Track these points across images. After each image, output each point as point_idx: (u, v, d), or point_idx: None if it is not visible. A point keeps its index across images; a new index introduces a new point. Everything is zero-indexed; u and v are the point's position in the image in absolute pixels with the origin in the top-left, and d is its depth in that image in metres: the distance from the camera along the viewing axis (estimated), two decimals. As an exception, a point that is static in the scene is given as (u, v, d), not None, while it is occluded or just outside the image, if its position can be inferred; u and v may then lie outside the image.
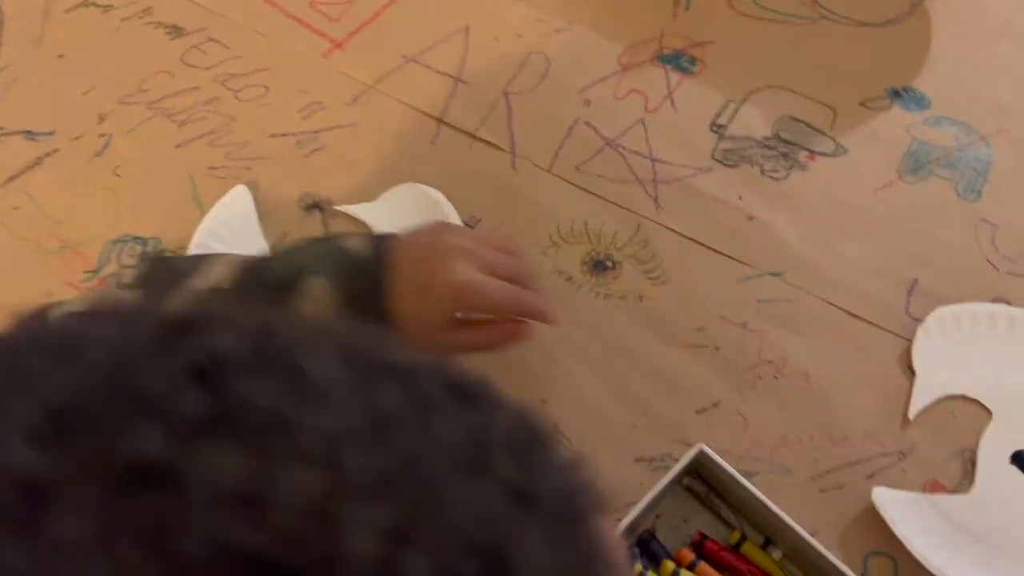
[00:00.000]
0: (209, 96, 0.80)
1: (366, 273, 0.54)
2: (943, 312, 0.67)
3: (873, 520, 0.60)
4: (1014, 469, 0.61)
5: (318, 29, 0.84)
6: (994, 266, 0.70)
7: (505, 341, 0.58)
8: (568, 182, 0.75)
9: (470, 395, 0.25)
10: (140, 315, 0.25)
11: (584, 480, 0.26)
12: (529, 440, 0.26)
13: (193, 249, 0.71)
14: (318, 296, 0.54)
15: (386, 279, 0.54)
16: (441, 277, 0.54)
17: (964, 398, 0.64)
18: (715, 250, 0.72)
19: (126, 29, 0.85)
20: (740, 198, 0.74)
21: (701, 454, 0.58)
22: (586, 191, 0.75)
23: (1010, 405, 0.64)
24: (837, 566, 0.55)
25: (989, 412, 0.64)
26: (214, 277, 0.55)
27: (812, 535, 0.56)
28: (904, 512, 0.59)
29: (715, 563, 0.57)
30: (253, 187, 0.75)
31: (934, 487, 0.62)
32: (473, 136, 0.77)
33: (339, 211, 0.74)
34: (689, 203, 0.74)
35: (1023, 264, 0.70)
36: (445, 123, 0.78)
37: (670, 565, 0.57)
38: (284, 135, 0.78)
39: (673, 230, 0.73)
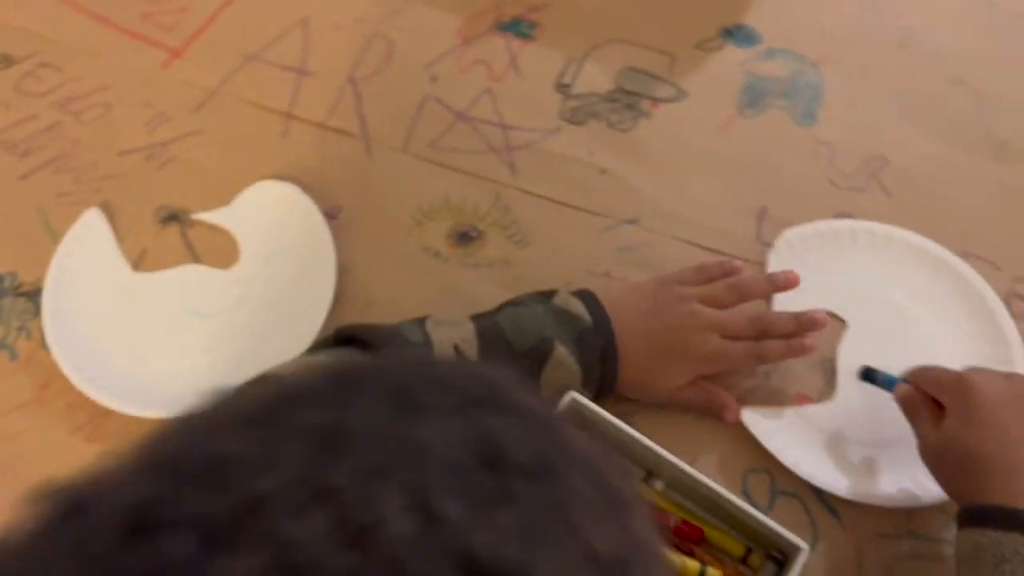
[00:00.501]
0: (49, 122, 0.78)
1: (595, 335, 0.60)
2: (790, 234, 0.70)
3: (748, 440, 0.63)
4: (852, 354, 0.65)
5: (154, 40, 0.83)
6: (835, 184, 0.74)
7: (721, 413, 0.63)
8: (424, 160, 0.76)
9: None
10: None
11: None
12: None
13: (50, 282, 0.69)
14: (563, 363, 0.59)
15: (615, 342, 0.60)
16: (691, 350, 0.61)
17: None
18: (572, 206, 0.74)
19: (-48, 64, 0.82)
20: (591, 153, 0.76)
21: (574, 402, 0.60)
22: (443, 166, 0.76)
23: (861, 313, 0.68)
24: (714, 488, 0.57)
25: (844, 322, 0.68)
26: (446, 352, 0.58)
27: (691, 463, 0.58)
28: (773, 428, 0.63)
29: (602, 504, 0.60)
30: (106, 208, 0.74)
31: (801, 400, 0.65)
32: (323, 126, 0.77)
33: (197, 219, 0.73)
34: (543, 165, 0.76)
35: (861, 178, 0.74)
36: (294, 117, 0.78)
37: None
38: (132, 151, 0.77)
39: (531, 193, 0.74)
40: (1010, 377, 0.55)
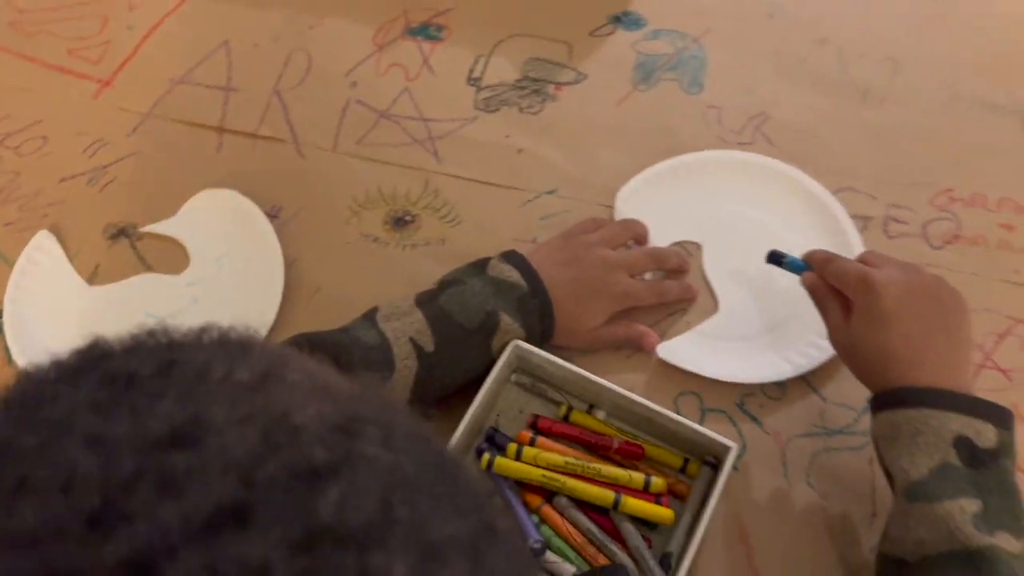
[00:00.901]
0: (-12, 158, 0.82)
1: (532, 298, 0.67)
2: (635, 183, 0.79)
3: (670, 369, 0.70)
4: (737, 277, 0.74)
5: (82, 73, 0.87)
6: (725, 141, 0.82)
7: (642, 343, 0.70)
8: (354, 156, 0.82)
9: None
10: None
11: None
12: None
13: (7, 302, 0.73)
14: (509, 330, 0.65)
15: (549, 298, 0.67)
16: (605, 289, 0.69)
17: (680, 244, 0.76)
18: (496, 184, 0.80)
19: None
20: (507, 136, 0.83)
21: (518, 347, 0.66)
22: (372, 160, 0.82)
23: (710, 233, 0.77)
24: (651, 407, 0.64)
25: (698, 244, 0.76)
26: (405, 348, 0.63)
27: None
28: (685, 352, 0.70)
29: (551, 435, 0.66)
30: (55, 230, 0.78)
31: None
32: (255, 136, 0.83)
33: (146, 232, 0.78)
34: (464, 151, 0.82)
35: (747, 133, 0.83)
36: (226, 130, 0.83)
37: (513, 447, 0.64)
38: (74, 176, 0.81)
39: (456, 176, 0.81)
40: (906, 268, 0.60)
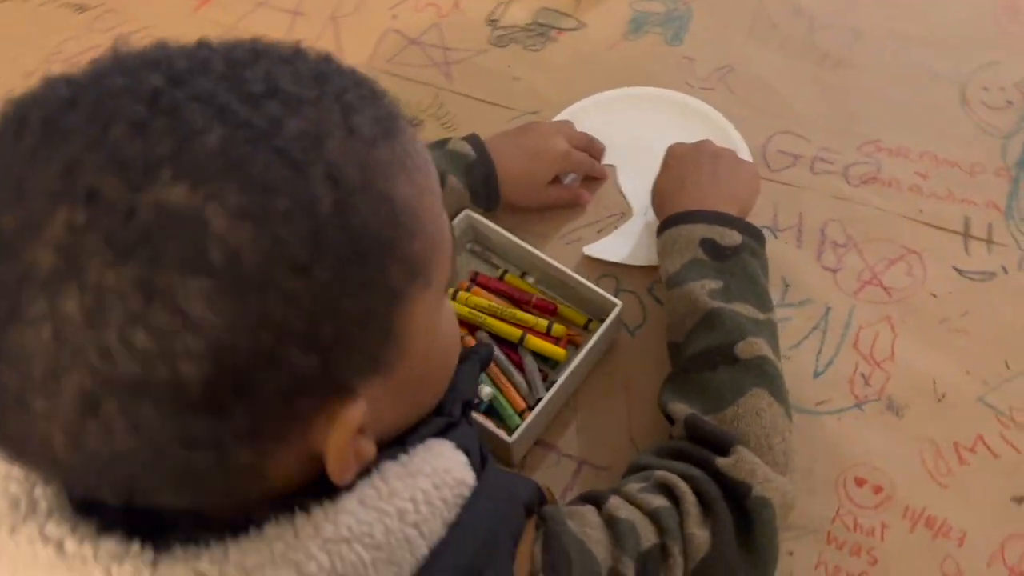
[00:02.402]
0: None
1: (478, 166, 0.82)
2: (572, 109, 0.94)
3: (595, 260, 0.85)
4: (645, 189, 0.85)
5: (189, -8, 1.10)
6: (690, 85, 0.96)
7: (579, 201, 0.89)
8: (382, 71, 1.01)
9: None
10: None
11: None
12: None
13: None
14: (455, 189, 0.82)
15: (494, 168, 0.83)
16: (550, 148, 0.85)
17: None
18: (490, 103, 0.97)
19: (43, 11, 1.10)
20: (509, 66, 1.00)
21: (468, 216, 0.83)
22: (396, 75, 1.00)
23: (624, 156, 0.92)
24: (566, 272, 0.79)
25: (614, 166, 0.92)
26: None
27: (554, 265, 0.80)
28: (606, 248, 0.84)
29: (486, 288, 0.82)
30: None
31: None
32: (309, 48, 1.03)
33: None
34: (472, 75, 1.00)
35: (711, 81, 0.96)
36: (288, 43, 1.04)
37: (452, 291, 0.81)
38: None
39: (461, 93, 0.98)
40: (698, 143, 0.82)
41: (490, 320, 0.79)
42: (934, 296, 0.80)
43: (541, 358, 0.78)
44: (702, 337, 0.68)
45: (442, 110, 0.97)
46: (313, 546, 0.40)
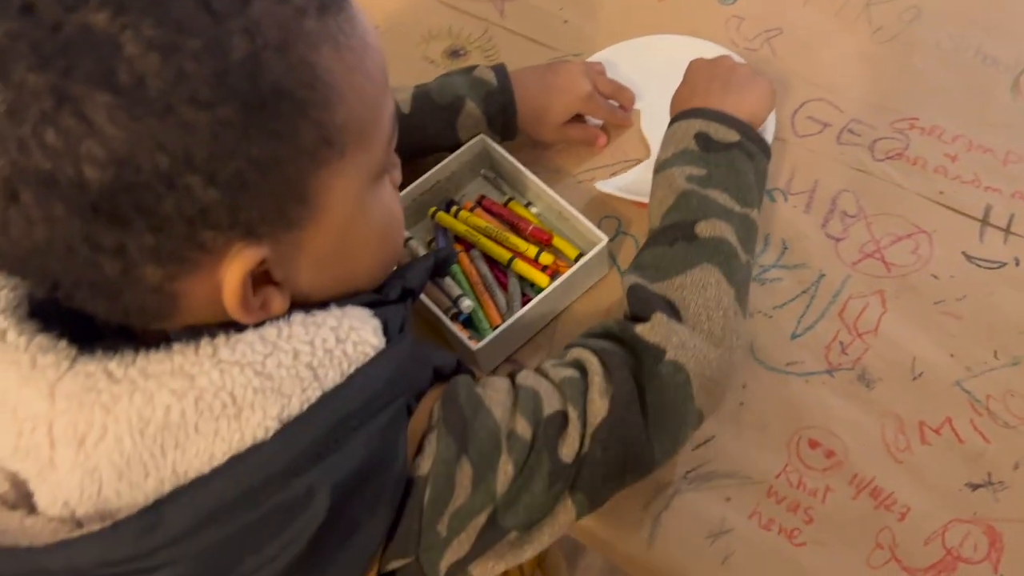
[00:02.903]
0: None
1: (498, 94, 0.85)
2: (603, 53, 0.95)
3: (604, 198, 0.86)
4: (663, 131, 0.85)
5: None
6: (735, 43, 0.96)
7: (595, 141, 0.90)
8: (440, 3, 1.04)
9: None
10: None
11: None
12: None
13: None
14: (472, 114, 0.85)
15: (513, 98, 0.85)
16: (572, 87, 0.86)
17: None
18: (536, 41, 1.00)
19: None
20: (561, 9, 1.02)
21: (482, 141, 0.86)
22: (452, 7, 1.04)
23: (649, 101, 0.92)
24: (569, 209, 0.81)
25: (638, 111, 0.92)
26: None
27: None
28: (619, 185, 0.86)
29: (489, 211, 0.85)
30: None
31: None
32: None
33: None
34: (524, 14, 1.02)
35: (757, 42, 0.96)
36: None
37: (455, 208, 0.84)
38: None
39: (509, 30, 1.01)
40: (717, 57, 0.85)
41: (484, 240, 0.82)
42: (935, 277, 0.78)
43: (529, 284, 0.81)
44: (669, 216, 0.70)
45: (489, 44, 1.01)
46: (208, 364, 0.45)
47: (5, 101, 0.39)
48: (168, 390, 0.44)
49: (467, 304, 0.78)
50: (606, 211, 0.86)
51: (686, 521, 0.69)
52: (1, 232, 0.41)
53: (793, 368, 0.75)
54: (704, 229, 0.68)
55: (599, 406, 0.58)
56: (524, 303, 0.78)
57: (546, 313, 0.79)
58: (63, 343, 0.46)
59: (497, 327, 0.76)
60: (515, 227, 0.84)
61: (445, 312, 0.77)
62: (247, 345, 0.46)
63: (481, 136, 0.86)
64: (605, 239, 0.78)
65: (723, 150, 0.72)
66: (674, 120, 0.77)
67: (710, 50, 0.91)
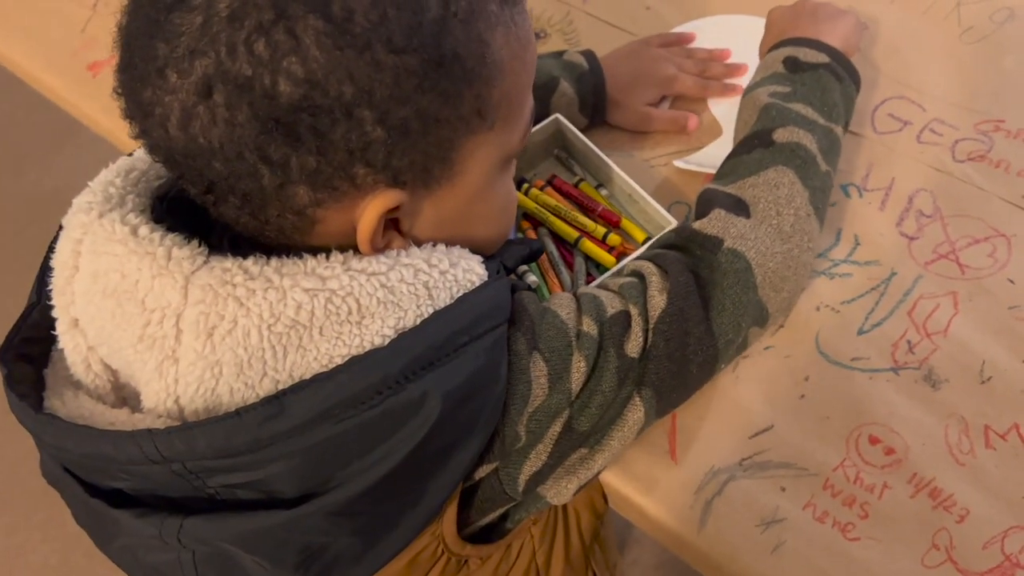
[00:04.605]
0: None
1: (590, 75, 0.87)
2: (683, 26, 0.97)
3: (675, 183, 0.87)
4: (731, 108, 0.86)
5: None
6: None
7: (686, 126, 0.89)
8: (523, -15, 1.05)
9: None
10: None
11: None
12: None
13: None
14: (566, 93, 0.88)
15: (604, 80, 0.87)
16: (655, 72, 0.89)
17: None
18: (617, 27, 1.00)
19: None
20: (643, -5, 1.02)
21: (557, 121, 0.86)
22: (535, -10, 1.05)
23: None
24: (639, 191, 0.81)
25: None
26: None
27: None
28: (697, 161, 0.86)
29: (559, 191, 0.86)
30: None
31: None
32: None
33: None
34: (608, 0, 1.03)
35: (840, 38, 0.94)
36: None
37: (526, 186, 0.85)
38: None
39: (592, 15, 1.02)
40: (796, 2, 0.85)
41: (552, 218, 0.83)
42: (1011, 282, 0.77)
43: (594, 264, 0.81)
44: (750, 127, 0.71)
45: (570, 27, 1.01)
46: (340, 269, 0.48)
47: (230, 6, 0.42)
48: (301, 289, 0.46)
49: (532, 279, 0.79)
50: (676, 196, 0.86)
51: (738, 508, 0.69)
52: (181, 126, 0.45)
53: (858, 364, 0.74)
54: (782, 135, 0.69)
55: (658, 300, 0.60)
56: (588, 283, 0.79)
57: (610, 293, 0.79)
58: (195, 242, 0.48)
59: (561, 304, 0.77)
60: (584, 207, 0.84)
61: (510, 286, 0.78)
62: (372, 260, 0.49)
63: (556, 116, 0.86)
64: (674, 223, 0.78)
65: (810, 69, 0.74)
66: (770, 51, 0.79)
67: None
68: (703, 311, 0.61)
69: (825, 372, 0.74)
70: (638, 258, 0.65)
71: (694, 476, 0.71)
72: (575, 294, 0.61)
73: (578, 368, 0.55)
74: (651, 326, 0.59)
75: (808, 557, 0.67)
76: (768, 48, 0.81)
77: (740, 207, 0.65)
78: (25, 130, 2.24)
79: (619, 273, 0.64)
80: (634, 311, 0.59)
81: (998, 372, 0.72)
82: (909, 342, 0.75)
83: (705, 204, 0.67)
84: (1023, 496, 0.67)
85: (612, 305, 0.59)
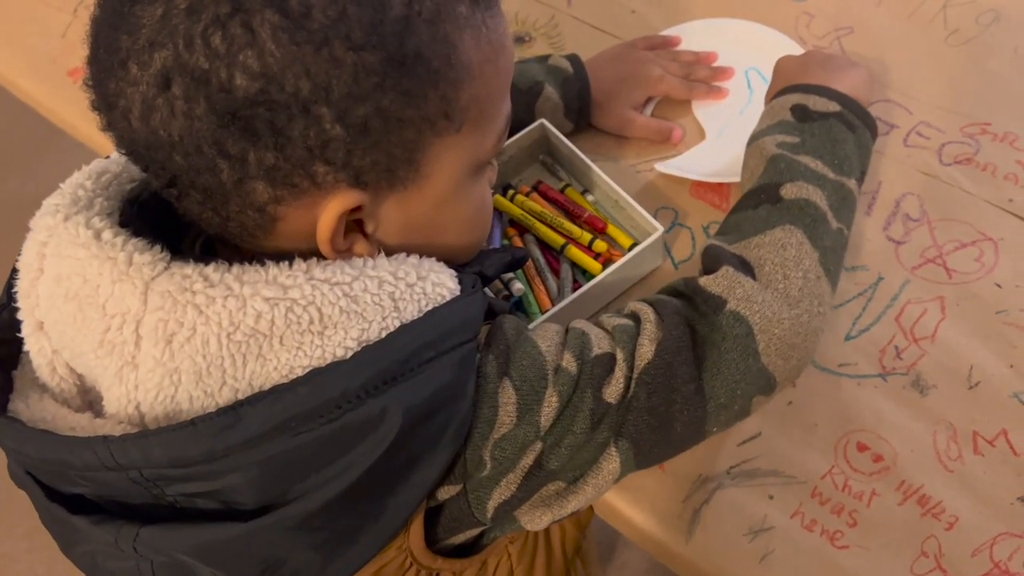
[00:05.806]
0: None
1: (574, 80, 0.86)
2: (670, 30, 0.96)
3: (661, 188, 0.86)
4: (719, 116, 0.87)
5: None
6: (804, 41, 0.94)
7: (670, 136, 0.88)
8: (508, -12, 1.05)
9: None
10: None
11: None
12: None
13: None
14: (550, 98, 0.87)
15: (589, 85, 0.86)
16: (641, 74, 0.88)
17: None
18: (601, 30, 0.99)
19: None
20: (630, 0, 1.02)
21: (543, 126, 0.86)
22: (520, -6, 1.04)
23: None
24: (625, 197, 0.80)
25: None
26: None
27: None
28: (678, 166, 0.85)
29: (545, 196, 0.85)
30: None
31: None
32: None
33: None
34: (591, 3, 1.02)
35: (827, 40, 0.94)
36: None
37: (512, 192, 0.85)
38: None
39: (577, 19, 1.01)
40: (806, 52, 0.85)
41: (538, 224, 0.82)
42: (998, 286, 0.76)
43: (581, 271, 0.80)
44: (756, 182, 0.68)
45: (555, 31, 1.01)
46: (302, 278, 0.47)
47: (187, 0, 0.42)
48: (261, 298, 0.45)
49: (518, 287, 0.78)
50: (662, 201, 0.86)
51: (726, 516, 0.69)
52: (143, 118, 0.44)
53: (845, 370, 0.74)
54: (790, 191, 0.65)
55: (646, 350, 0.56)
56: (575, 289, 0.78)
57: (597, 300, 0.79)
58: (158, 247, 0.48)
59: (547, 312, 0.76)
60: (570, 213, 0.84)
61: (496, 294, 0.77)
62: (336, 268, 0.48)
63: (541, 121, 0.86)
64: (661, 229, 0.77)
65: (820, 118, 0.70)
66: (774, 98, 0.76)
67: (775, 37, 0.91)
68: (695, 370, 0.57)
69: (812, 378, 0.74)
70: (642, 299, 0.61)
71: (682, 485, 0.70)
72: (567, 327, 0.58)
73: (550, 403, 0.53)
74: (635, 375, 0.56)
75: (797, 566, 0.66)
76: (775, 94, 0.77)
77: (746, 267, 0.61)
78: (6, 136, 2.21)
79: (620, 311, 0.61)
80: (620, 356, 0.56)
81: (986, 377, 0.72)
82: (897, 348, 0.74)
83: (712, 260, 0.62)
84: (1012, 502, 0.67)
85: (600, 345, 0.56)
